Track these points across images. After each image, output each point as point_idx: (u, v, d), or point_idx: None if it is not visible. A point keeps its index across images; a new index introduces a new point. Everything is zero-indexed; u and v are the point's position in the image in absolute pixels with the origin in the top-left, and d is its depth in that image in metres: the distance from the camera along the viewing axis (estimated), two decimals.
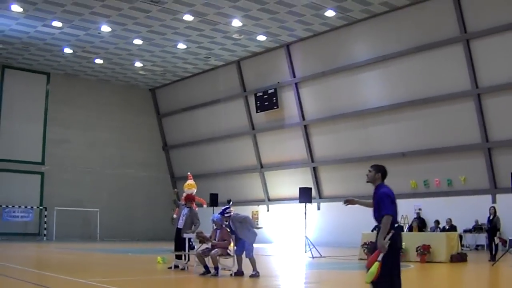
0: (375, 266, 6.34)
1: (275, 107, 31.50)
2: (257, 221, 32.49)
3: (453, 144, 24.83)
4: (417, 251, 17.14)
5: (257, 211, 33.90)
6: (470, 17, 23.61)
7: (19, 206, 33.79)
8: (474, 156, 24.39)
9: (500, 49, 23.05)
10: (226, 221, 12.51)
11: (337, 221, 28.30)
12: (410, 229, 21.93)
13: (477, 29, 23.47)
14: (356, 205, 7.32)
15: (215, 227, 12.88)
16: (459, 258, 17.15)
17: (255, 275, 12.05)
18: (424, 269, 15.43)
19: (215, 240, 12.61)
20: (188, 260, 14.36)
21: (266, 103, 31.90)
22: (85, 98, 37.32)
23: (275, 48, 30.99)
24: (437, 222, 23.02)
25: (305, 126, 30.61)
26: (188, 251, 13.94)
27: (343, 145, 29.05)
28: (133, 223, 37.47)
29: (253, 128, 33.61)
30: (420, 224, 22.89)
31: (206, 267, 12.50)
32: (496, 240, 17.98)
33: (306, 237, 21.32)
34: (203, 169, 36.04)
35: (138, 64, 34.06)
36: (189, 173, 17.55)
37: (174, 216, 15.57)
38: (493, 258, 17.04)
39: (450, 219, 22.47)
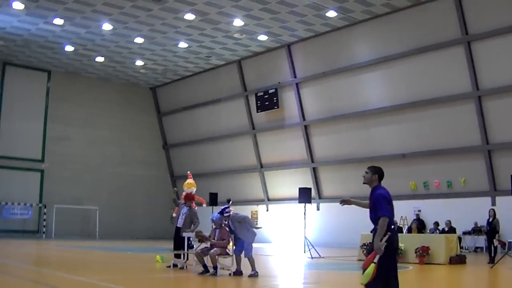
0: (371, 267, 6.35)
1: (275, 107, 31.49)
2: (257, 221, 32.53)
3: (453, 146, 24.83)
4: (416, 252, 17.15)
5: (256, 211, 33.89)
6: (471, 19, 23.61)
7: (19, 204, 33.78)
8: (474, 158, 24.38)
9: (501, 52, 23.04)
10: (225, 221, 12.51)
11: (336, 221, 28.28)
12: (409, 230, 21.94)
13: (478, 31, 23.46)
14: (355, 206, 7.31)
15: (214, 226, 12.88)
16: (458, 260, 17.16)
17: (254, 275, 12.04)
18: (422, 270, 15.43)
19: (214, 239, 12.61)
20: (187, 259, 14.36)
21: (267, 103, 31.89)
22: (85, 96, 37.32)
23: (276, 48, 30.99)
24: (436, 223, 23.01)
25: (306, 127, 30.60)
26: (187, 250, 13.94)
27: (343, 145, 29.04)
28: (133, 221, 37.47)
29: (254, 128, 33.60)
30: (419, 225, 22.90)
31: (205, 266, 12.50)
32: (495, 243, 17.98)
33: (305, 238, 21.31)
34: (203, 168, 36.04)
35: (139, 62, 34.06)
36: (189, 172, 17.53)
37: (174, 215, 15.56)
38: (492, 261, 17.04)
39: (449, 221, 22.45)
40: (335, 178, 29.56)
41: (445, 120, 25.04)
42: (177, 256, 14.38)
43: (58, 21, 27.15)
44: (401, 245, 17.40)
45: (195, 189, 15.97)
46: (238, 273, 12.22)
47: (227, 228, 12.56)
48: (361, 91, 28.08)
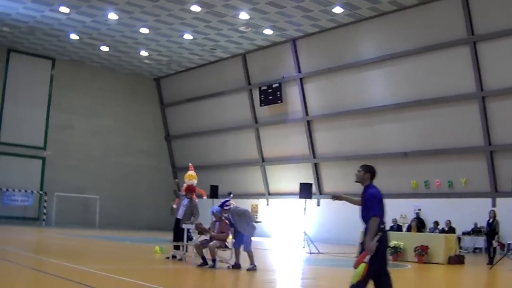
0: (362, 267, 6.38)
1: (279, 102, 31.47)
2: (257, 215, 32.57)
3: (456, 146, 24.80)
4: (415, 251, 17.17)
5: (256, 205, 33.92)
6: (478, 19, 23.54)
7: (19, 190, 33.85)
8: (476, 158, 24.36)
9: (507, 53, 22.98)
10: (226, 214, 12.53)
11: (336, 218, 28.28)
12: (409, 229, 21.94)
13: (484, 32, 23.40)
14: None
15: (214, 219, 12.90)
16: (456, 260, 17.18)
17: (252, 268, 12.07)
18: (421, 269, 15.46)
19: (213, 232, 12.63)
20: (186, 251, 14.38)
21: (270, 97, 31.87)
22: (89, 84, 37.32)
23: (281, 43, 30.94)
24: (436, 223, 23.03)
25: (308, 122, 30.58)
26: (187, 242, 13.97)
27: (345, 142, 29.03)
28: (134, 211, 37.51)
29: (256, 122, 33.59)
30: (419, 224, 22.89)
31: (204, 258, 12.52)
32: (495, 244, 17.99)
33: (305, 233, 21.35)
34: (205, 161, 36.06)
35: (143, 53, 34.03)
36: (190, 164, 17.56)
37: (174, 206, 15.59)
38: (491, 262, 17.05)
39: (449, 221, 22.47)
40: (336, 174, 29.55)
41: (448, 119, 25.01)
42: (177, 247, 14.42)
43: (64, 9, 27.12)
44: (400, 243, 17.46)
45: (196, 181, 16.00)
46: (236, 266, 12.25)
47: (227, 221, 12.59)
48: (365, 88, 28.04)
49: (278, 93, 31.44)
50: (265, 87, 32.15)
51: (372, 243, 6.42)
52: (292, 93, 31.17)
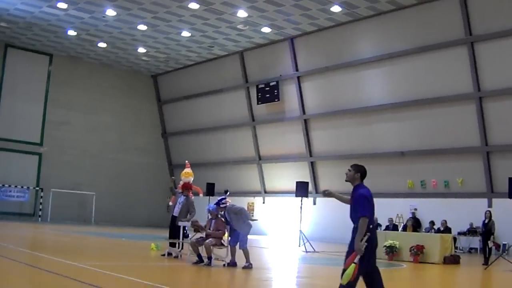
0: (352, 268, 6.40)
1: (276, 100, 31.46)
2: (253, 213, 32.58)
3: (452, 146, 24.83)
4: (410, 251, 17.19)
5: (253, 203, 33.92)
6: (476, 20, 23.56)
7: (15, 186, 33.78)
8: (473, 159, 24.39)
9: (505, 54, 23.02)
10: (222, 212, 12.53)
11: (332, 216, 28.27)
12: (405, 228, 21.97)
13: (482, 32, 23.42)
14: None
15: (210, 216, 12.90)
16: (452, 260, 17.22)
17: (248, 266, 12.08)
18: (416, 269, 15.48)
19: (209, 229, 12.63)
20: (182, 248, 14.38)
21: (268, 95, 31.86)
22: (87, 81, 37.24)
23: (279, 41, 30.92)
24: (432, 223, 23.05)
25: (305, 120, 30.59)
26: (182, 239, 13.96)
27: (342, 141, 29.04)
28: (130, 208, 37.47)
29: (253, 120, 33.58)
30: (415, 224, 22.92)
31: (199, 256, 12.52)
32: (490, 244, 18.01)
33: (301, 231, 21.36)
34: (201, 158, 36.06)
35: (141, 49, 33.99)
36: (187, 161, 17.55)
37: (170, 203, 15.58)
38: (486, 262, 17.08)
39: (445, 221, 22.49)
40: (333, 173, 29.53)
41: (445, 120, 25.04)
42: (172, 245, 14.41)
43: (62, 5, 27.06)
44: (396, 243, 17.47)
45: (192, 179, 15.99)
46: (232, 264, 12.25)
47: (223, 219, 12.58)
48: (362, 88, 28.05)
49: (276, 91, 31.43)
50: (263, 85, 32.14)
51: (361, 244, 6.44)
52: (290, 92, 31.17)
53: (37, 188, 34.60)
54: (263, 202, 33.65)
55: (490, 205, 23.24)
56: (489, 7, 23.28)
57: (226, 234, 12.68)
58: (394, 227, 23.06)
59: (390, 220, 23.63)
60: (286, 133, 31.93)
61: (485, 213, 18.43)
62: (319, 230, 28.64)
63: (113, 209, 36.60)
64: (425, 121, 25.77)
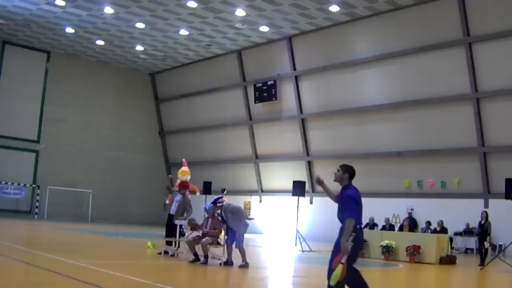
0: (339, 268, 6.41)
1: (273, 99, 31.46)
2: (249, 212, 32.58)
3: (449, 147, 24.86)
4: (406, 251, 17.22)
5: (249, 202, 33.92)
6: (474, 21, 23.58)
7: (12, 183, 33.73)
8: (469, 159, 24.42)
9: (502, 55, 23.05)
10: (218, 210, 12.52)
11: (328, 216, 27.82)
12: (401, 228, 21.96)
13: (480, 33, 23.45)
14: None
15: (207, 215, 12.90)
16: (448, 260, 17.24)
17: (244, 265, 12.08)
18: (412, 269, 15.50)
19: (206, 228, 12.62)
20: (178, 246, 14.38)
21: (265, 94, 31.85)
22: (84, 78, 37.18)
23: (277, 40, 30.91)
24: (428, 223, 23.03)
25: (302, 120, 30.59)
26: (179, 237, 13.95)
27: (339, 141, 29.05)
28: (126, 206, 37.44)
29: (251, 119, 33.58)
30: (411, 224, 22.93)
31: (195, 255, 12.52)
32: (486, 245, 18.05)
33: (297, 231, 21.36)
34: (198, 157, 36.03)
35: (139, 47, 33.95)
36: (184, 159, 17.54)
37: (167, 201, 15.59)
38: (482, 262, 17.10)
39: (441, 221, 22.47)
40: (330, 172, 29.11)
41: (442, 120, 25.06)
42: (169, 243, 14.41)
43: (60, 2, 27.02)
44: (392, 243, 17.51)
45: (189, 177, 15.99)
46: (228, 263, 12.25)
47: (219, 218, 12.58)
48: (360, 87, 28.06)
49: (273, 90, 31.42)
50: (260, 84, 32.13)
51: (347, 244, 6.46)
52: (287, 91, 31.17)
53: (34, 186, 34.55)
54: (260, 201, 33.65)
55: (486, 206, 23.26)
56: (487, 8, 23.30)
57: (223, 233, 12.69)
58: (391, 227, 23.05)
59: (387, 220, 23.62)
60: (283, 132, 31.93)
61: (482, 213, 18.45)
62: (315, 230, 28.62)
63: (109, 207, 36.57)
64: (422, 121, 25.79)
